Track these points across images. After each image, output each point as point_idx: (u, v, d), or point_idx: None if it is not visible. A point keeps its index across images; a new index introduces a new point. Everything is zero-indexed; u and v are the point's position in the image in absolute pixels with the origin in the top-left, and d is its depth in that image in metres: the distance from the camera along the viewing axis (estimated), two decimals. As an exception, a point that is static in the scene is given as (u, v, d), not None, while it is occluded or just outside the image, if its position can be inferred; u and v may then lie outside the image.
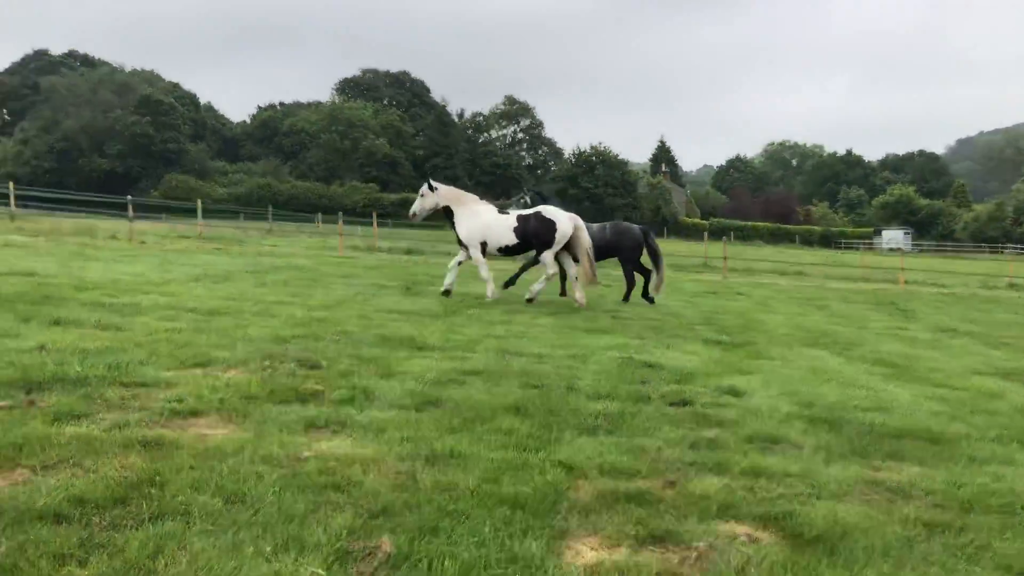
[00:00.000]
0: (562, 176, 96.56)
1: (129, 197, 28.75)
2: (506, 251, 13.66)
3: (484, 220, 13.51)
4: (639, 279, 15.89)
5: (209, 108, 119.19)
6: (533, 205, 18.92)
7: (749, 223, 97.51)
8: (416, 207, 13.97)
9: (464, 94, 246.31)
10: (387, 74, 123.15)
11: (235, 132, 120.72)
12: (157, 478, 3.84)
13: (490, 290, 13.51)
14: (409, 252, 31.64)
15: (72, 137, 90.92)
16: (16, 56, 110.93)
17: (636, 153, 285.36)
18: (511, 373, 7.01)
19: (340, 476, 4.10)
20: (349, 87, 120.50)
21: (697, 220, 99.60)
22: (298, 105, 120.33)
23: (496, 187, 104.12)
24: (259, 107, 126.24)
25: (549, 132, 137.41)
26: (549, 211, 13.55)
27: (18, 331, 7.13)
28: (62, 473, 3.86)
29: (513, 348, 8.45)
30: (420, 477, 4.18)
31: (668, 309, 14.20)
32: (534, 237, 13.32)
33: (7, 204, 37.31)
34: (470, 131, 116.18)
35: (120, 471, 3.91)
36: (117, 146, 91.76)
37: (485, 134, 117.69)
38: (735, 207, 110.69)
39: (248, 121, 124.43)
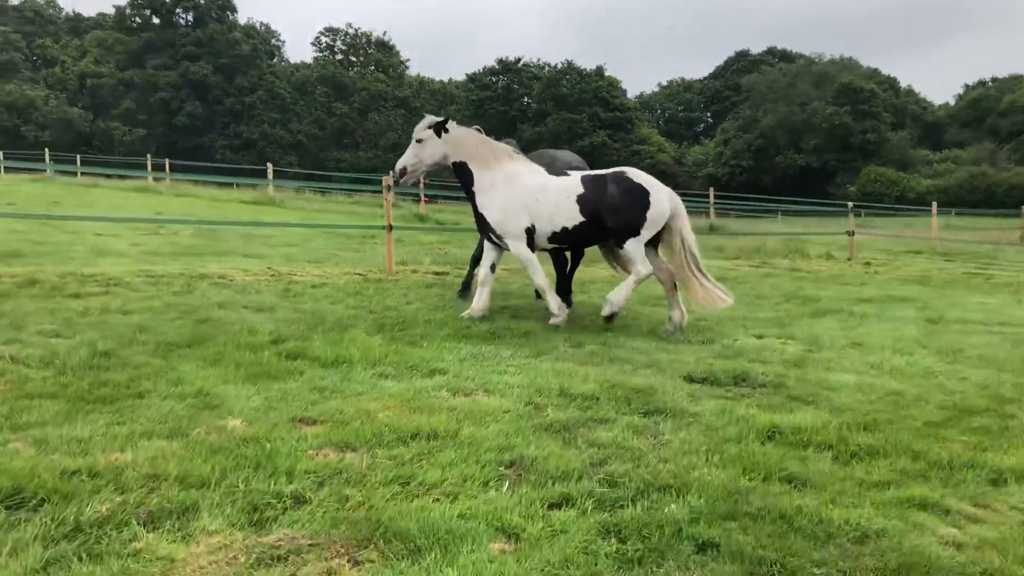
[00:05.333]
0: None
1: (850, 205, 23.42)
2: (562, 238, 8.36)
3: (527, 187, 8.25)
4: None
5: (909, 92, 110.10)
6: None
7: None
8: (408, 159, 8.51)
9: None
10: None
11: (938, 116, 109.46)
12: None
13: (555, 307, 8.34)
14: None
15: (769, 134, 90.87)
16: (719, 60, 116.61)
17: None
18: None
19: None
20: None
21: None
22: (1016, 79, 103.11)
23: None
24: (966, 86, 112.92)
25: None
26: (636, 174, 8.25)
27: None
28: None
29: None
30: None
31: None
32: (613, 214, 8.06)
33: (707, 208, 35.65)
34: None
35: None
36: (813, 140, 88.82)
37: None
38: None
39: (952, 103, 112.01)
